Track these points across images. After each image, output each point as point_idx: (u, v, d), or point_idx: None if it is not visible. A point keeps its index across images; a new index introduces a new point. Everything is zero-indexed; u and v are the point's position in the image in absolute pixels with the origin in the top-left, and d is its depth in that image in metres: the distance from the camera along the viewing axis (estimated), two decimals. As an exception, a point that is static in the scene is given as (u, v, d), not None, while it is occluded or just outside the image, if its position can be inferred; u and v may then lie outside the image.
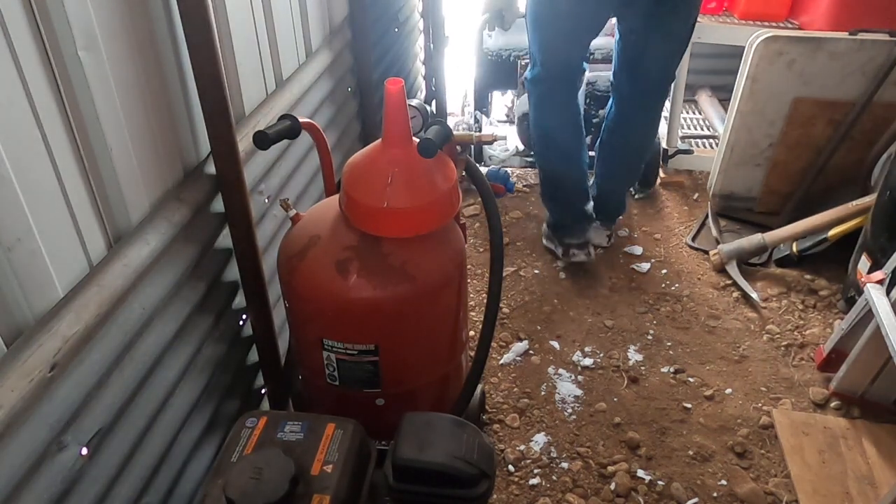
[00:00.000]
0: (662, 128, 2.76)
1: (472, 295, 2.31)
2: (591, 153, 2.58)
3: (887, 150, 2.36)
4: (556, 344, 2.14)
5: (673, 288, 2.37)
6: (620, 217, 2.60)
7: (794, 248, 2.43)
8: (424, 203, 1.19)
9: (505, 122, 3.40)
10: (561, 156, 2.35)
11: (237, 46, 1.34)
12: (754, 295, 2.29)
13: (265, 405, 1.55)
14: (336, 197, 1.29)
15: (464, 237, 1.38)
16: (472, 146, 1.53)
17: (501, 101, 3.51)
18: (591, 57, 2.63)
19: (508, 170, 2.89)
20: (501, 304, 2.25)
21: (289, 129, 1.28)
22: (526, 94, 2.74)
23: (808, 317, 2.23)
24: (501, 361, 2.08)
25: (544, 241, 2.57)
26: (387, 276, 1.20)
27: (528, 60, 2.76)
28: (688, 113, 3.48)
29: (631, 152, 2.41)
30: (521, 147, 2.96)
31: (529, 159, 2.93)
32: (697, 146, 3.16)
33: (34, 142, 0.86)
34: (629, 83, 2.24)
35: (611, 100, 2.37)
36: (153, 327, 1.10)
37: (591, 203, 2.45)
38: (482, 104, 2.90)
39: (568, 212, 2.41)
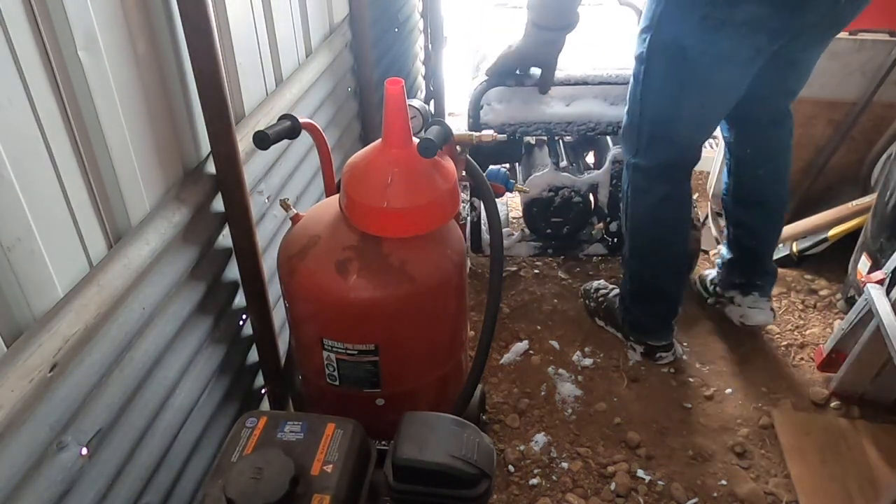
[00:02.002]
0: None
1: (472, 295, 2.31)
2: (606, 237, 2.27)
3: (887, 150, 2.37)
4: (556, 344, 2.14)
5: (673, 288, 2.36)
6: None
7: (794, 248, 2.43)
8: (424, 203, 1.19)
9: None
10: (669, 260, 1.96)
11: (237, 46, 1.34)
12: (754, 295, 2.28)
13: (265, 405, 1.55)
14: (336, 197, 1.29)
15: (464, 237, 1.38)
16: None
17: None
18: (619, 130, 2.06)
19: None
20: (501, 304, 2.26)
21: (289, 129, 1.28)
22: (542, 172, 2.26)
23: (808, 317, 2.23)
24: (501, 361, 2.08)
25: (600, 322, 2.18)
26: (387, 276, 1.20)
27: (536, 135, 2.29)
28: (688, 113, 3.48)
29: (777, 181, 1.98)
30: (527, 231, 2.45)
31: (537, 244, 2.42)
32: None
33: (34, 142, 0.85)
34: (761, 113, 1.87)
35: (727, 130, 1.97)
36: (153, 327, 1.10)
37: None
38: None
39: (661, 316, 2.03)
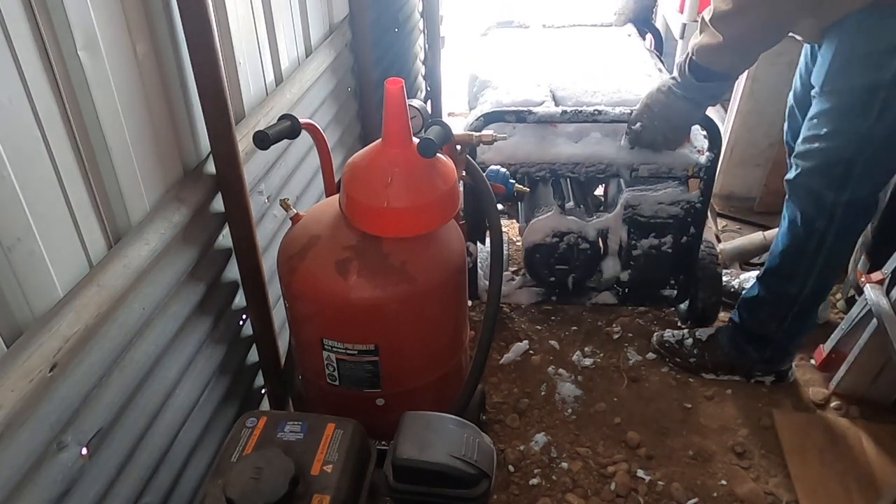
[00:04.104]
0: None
1: (472, 295, 2.30)
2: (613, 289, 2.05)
3: (887, 150, 2.36)
4: (555, 344, 2.14)
5: (673, 288, 2.36)
6: None
7: (795, 248, 2.42)
8: (424, 203, 1.19)
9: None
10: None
11: (237, 46, 1.34)
12: (754, 295, 2.28)
13: (265, 405, 1.55)
14: (336, 197, 1.29)
15: (464, 237, 1.38)
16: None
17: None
18: (634, 174, 1.90)
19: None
20: (501, 304, 2.25)
21: (289, 129, 1.28)
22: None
23: (808, 317, 2.23)
24: (501, 361, 2.08)
25: (710, 375, 2.02)
26: (387, 276, 1.20)
27: (539, 176, 1.95)
28: (688, 113, 3.47)
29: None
30: (528, 277, 2.14)
31: (539, 290, 2.14)
32: (697, 146, 3.14)
33: (34, 142, 0.86)
34: None
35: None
36: (153, 327, 1.10)
37: None
38: (477, 232, 2.00)
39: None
